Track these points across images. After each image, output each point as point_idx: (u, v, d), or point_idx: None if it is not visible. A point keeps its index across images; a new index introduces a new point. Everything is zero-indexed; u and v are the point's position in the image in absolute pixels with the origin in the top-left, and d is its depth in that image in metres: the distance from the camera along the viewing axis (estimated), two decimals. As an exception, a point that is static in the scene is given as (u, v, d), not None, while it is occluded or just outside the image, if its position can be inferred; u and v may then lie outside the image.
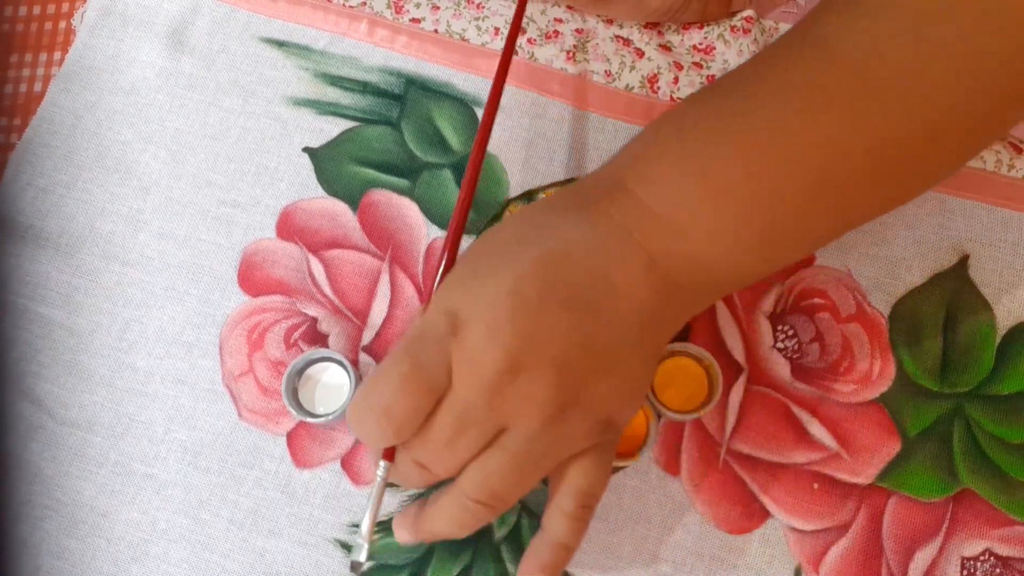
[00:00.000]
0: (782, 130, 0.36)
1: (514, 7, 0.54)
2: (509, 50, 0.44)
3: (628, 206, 0.36)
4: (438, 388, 0.35)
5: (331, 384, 0.47)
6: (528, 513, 0.45)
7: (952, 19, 0.35)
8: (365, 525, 0.38)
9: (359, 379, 0.47)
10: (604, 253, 0.36)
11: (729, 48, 0.52)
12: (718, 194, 0.36)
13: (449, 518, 0.38)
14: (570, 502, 0.37)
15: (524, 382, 0.34)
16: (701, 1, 0.50)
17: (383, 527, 0.46)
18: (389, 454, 0.37)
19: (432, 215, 0.50)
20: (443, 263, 0.40)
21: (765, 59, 0.39)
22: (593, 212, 0.37)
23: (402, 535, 0.40)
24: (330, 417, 0.46)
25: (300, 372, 0.47)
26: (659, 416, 0.45)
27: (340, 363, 0.47)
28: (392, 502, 0.46)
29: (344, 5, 0.54)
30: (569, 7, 0.53)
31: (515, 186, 0.50)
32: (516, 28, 0.46)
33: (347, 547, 0.46)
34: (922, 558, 0.44)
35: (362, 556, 0.38)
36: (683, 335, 0.47)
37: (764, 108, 0.36)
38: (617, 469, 0.46)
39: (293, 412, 0.46)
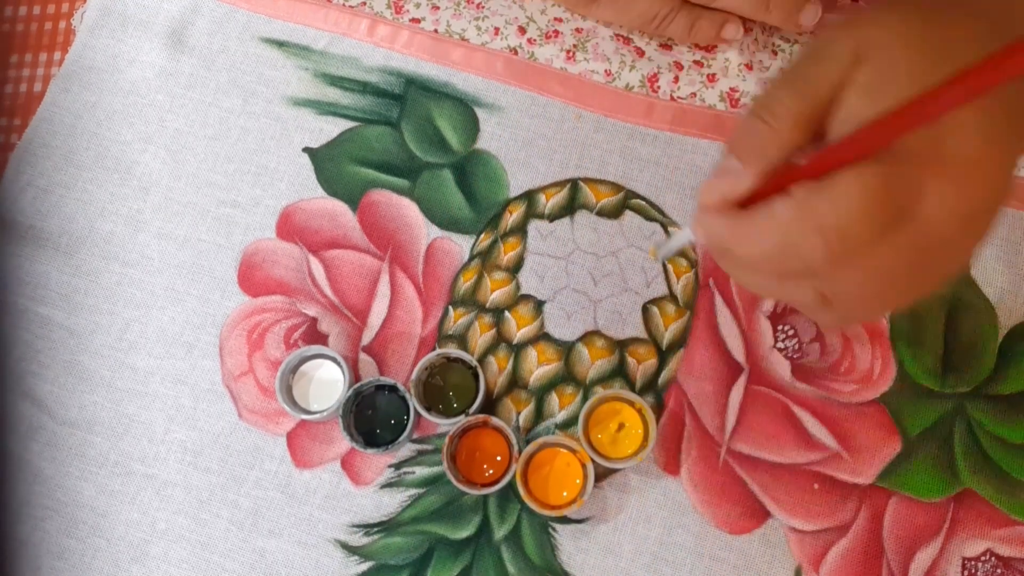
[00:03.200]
0: None
1: (514, 7, 0.54)
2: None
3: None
4: (905, 212, 0.30)
5: (325, 380, 0.47)
6: (528, 513, 0.45)
7: None
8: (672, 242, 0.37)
9: (353, 376, 0.47)
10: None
11: (730, 48, 0.52)
12: None
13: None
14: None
15: (986, 216, 0.31)
16: (687, 18, 0.50)
17: (384, 527, 0.46)
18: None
19: (432, 215, 0.50)
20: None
21: None
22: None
23: (710, 223, 0.34)
24: (325, 414, 0.46)
25: (294, 369, 0.47)
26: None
27: (334, 359, 0.47)
28: (392, 502, 0.46)
29: (344, 5, 0.54)
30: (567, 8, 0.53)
31: (515, 186, 0.50)
32: None
33: (347, 547, 0.46)
34: (923, 558, 0.44)
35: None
36: (682, 338, 0.47)
37: None
38: (617, 469, 0.46)
39: (288, 409, 0.46)
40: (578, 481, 0.45)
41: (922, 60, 0.30)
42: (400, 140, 0.52)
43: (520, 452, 0.45)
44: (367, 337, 0.49)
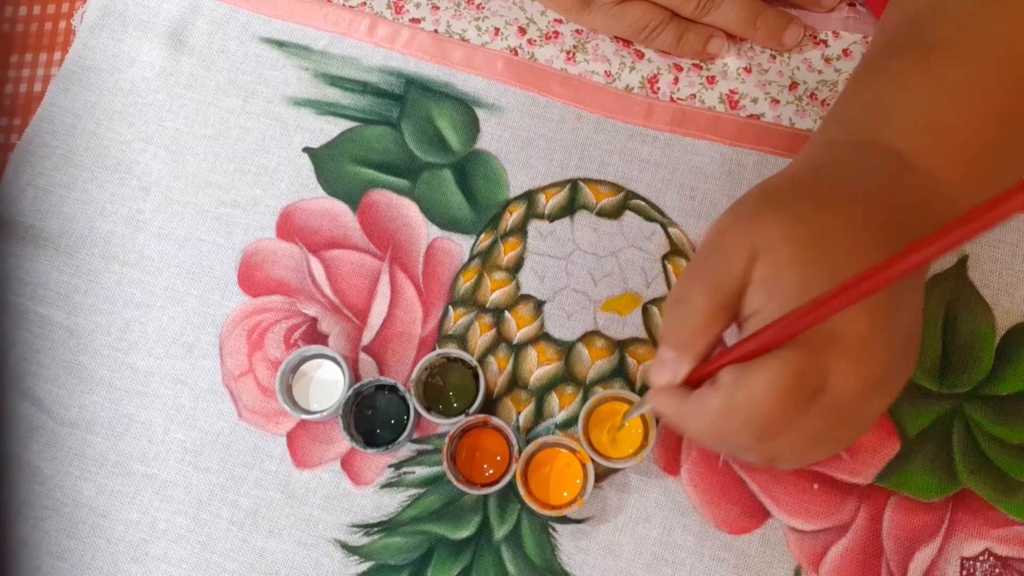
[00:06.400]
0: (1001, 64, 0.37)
1: (514, 7, 0.54)
2: None
3: (915, 186, 0.37)
4: (815, 393, 0.33)
5: (325, 380, 0.47)
6: (528, 513, 0.45)
7: None
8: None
9: (353, 376, 0.47)
10: (911, 234, 0.34)
11: (729, 51, 0.52)
12: (975, 161, 0.37)
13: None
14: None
15: (892, 375, 0.35)
16: (676, 31, 0.51)
17: (384, 527, 0.46)
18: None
19: (432, 215, 0.50)
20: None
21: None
22: (898, 200, 0.36)
23: (662, 402, 0.37)
24: (325, 414, 0.46)
25: (294, 369, 0.47)
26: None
27: (334, 359, 0.47)
28: (392, 502, 0.46)
29: (344, 5, 0.54)
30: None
31: (515, 186, 0.50)
32: None
33: (347, 547, 0.46)
34: (922, 558, 0.44)
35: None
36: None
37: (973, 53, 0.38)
38: (617, 469, 0.46)
39: (288, 409, 0.46)
40: (578, 481, 0.45)
41: (806, 255, 0.34)
42: (400, 140, 0.52)
43: (520, 452, 0.45)
44: (367, 337, 0.49)
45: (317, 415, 0.46)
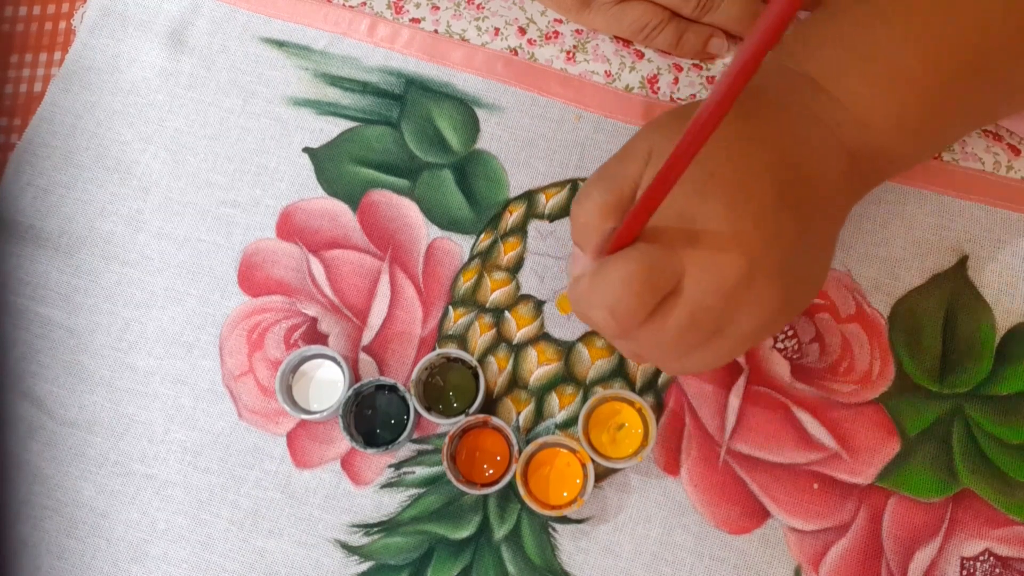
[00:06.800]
0: (945, 9, 0.37)
1: (514, 7, 0.54)
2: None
3: (824, 102, 0.37)
4: (668, 290, 0.34)
5: (325, 380, 0.47)
6: (528, 513, 0.45)
7: None
8: None
9: (353, 376, 0.47)
10: (816, 153, 0.36)
11: (729, 51, 0.52)
12: (898, 81, 0.37)
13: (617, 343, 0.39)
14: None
15: (759, 287, 0.35)
16: (676, 31, 0.51)
17: (384, 527, 0.46)
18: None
19: (432, 215, 0.50)
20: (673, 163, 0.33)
21: None
22: (796, 111, 0.37)
23: (569, 290, 0.39)
24: (325, 414, 0.46)
25: (294, 369, 0.47)
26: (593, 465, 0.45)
27: (334, 359, 0.47)
28: (392, 502, 0.46)
29: (344, 5, 0.54)
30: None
31: (515, 186, 0.51)
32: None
33: (347, 547, 0.46)
34: (922, 558, 0.44)
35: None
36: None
37: None
38: (617, 469, 0.46)
39: (288, 409, 0.46)
40: (578, 481, 0.45)
41: None
42: (400, 140, 0.52)
43: (520, 452, 0.45)
44: (367, 337, 0.49)
45: (317, 415, 0.46)
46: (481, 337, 0.48)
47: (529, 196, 0.50)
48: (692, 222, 0.34)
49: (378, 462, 0.47)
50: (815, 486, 0.45)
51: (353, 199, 0.51)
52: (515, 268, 0.49)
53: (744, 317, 0.35)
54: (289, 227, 0.51)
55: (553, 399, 0.47)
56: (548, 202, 0.50)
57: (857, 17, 0.39)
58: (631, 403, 0.45)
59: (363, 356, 0.48)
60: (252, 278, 0.50)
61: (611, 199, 0.36)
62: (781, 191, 0.35)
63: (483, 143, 0.51)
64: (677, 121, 0.37)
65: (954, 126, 0.42)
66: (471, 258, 0.49)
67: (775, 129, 0.37)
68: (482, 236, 0.50)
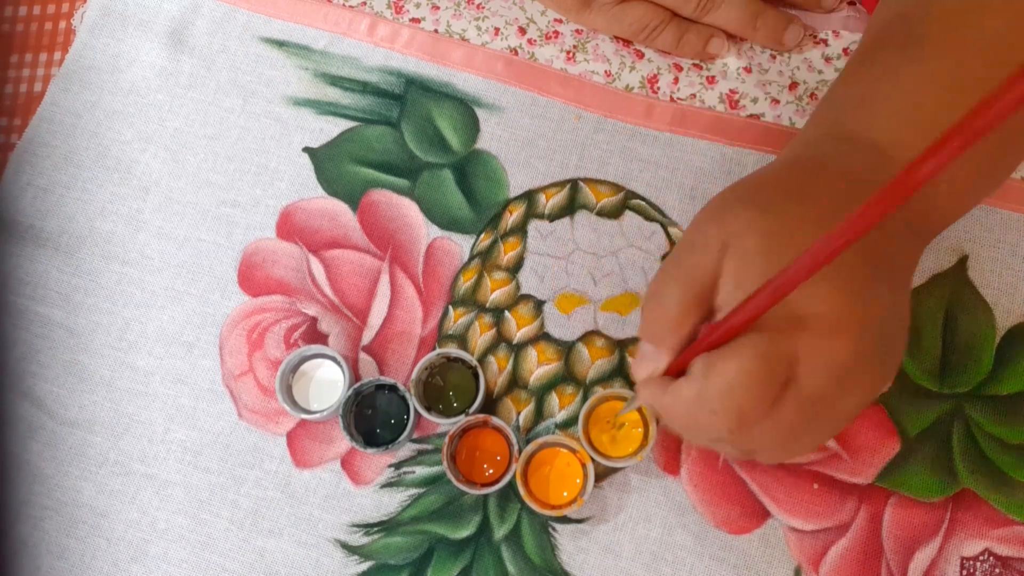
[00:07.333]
0: (997, 67, 0.36)
1: (514, 7, 0.54)
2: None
3: (883, 169, 0.36)
4: (784, 379, 0.33)
5: (325, 380, 0.47)
6: (528, 513, 0.45)
7: None
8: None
9: (353, 375, 0.47)
10: (884, 228, 0.35)
11: (729, 51, 0.52)
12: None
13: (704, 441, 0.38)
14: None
15: (865, 364, 0.34)
16: (676, 31, 0.51)
17: (384, 527, 0.46)
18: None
19: (432, 215, 0.50)
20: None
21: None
22: (856, 177, 0.36)
23: (645, 395, 0.38)
24: (325, 413, 0.46)
25: (294, 369, 0.47)
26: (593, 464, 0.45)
27: (334, 359, 0.47)
28: (392, 502, 0.46)
29: (344, 5, 0.54)
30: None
31: (515, 186, 0.50)
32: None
33: (347, 547, 0.46)
34: (922, 558, 0.44)
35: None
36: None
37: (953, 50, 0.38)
38: (617, 469, 0.46)
39: (288, 409, 0.46)
40: (578, 481, 0.45)
41: (771, 246, 0.34)
42: (400, 140, 0.52)
43: (520, 452, 0.45)
44: (367, 337, 0.49)
45: (317, 415, 0.46)
46: (481, 337, 0.48)
47: (529, 196, 0.50)
48: (791, 304, 0.32)
49: (378, 462, 0.47)
50: (815, 486, 0.45)
51: (353, 199, 0.51)
52: (515, 268, 0.49)
53: (851, 396, 0.35)
54: (289, 227, 0.51)
55: (553, 399, 0.47)
56: (548, 202, 0.50)
57: (916, 82, 0.38)
58: None
59: (363, 356, 0.48)
60: (252, 278, 0.50)
61: (690, 295, 0.35)
62: (872, 263, 0.34)
63: (483, 143, 0.51)
64: (752, 209, 0.35)
65: (998, 180, 0.42)
66: (471, 258, 0.49)
67: (845, 199, 0.36)
68: (482, 236, 0.50)
